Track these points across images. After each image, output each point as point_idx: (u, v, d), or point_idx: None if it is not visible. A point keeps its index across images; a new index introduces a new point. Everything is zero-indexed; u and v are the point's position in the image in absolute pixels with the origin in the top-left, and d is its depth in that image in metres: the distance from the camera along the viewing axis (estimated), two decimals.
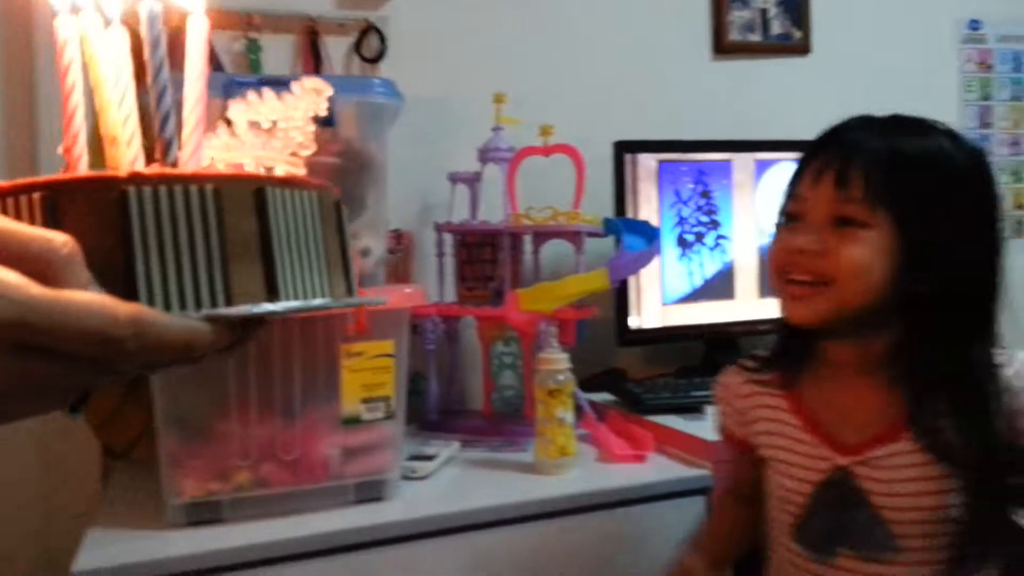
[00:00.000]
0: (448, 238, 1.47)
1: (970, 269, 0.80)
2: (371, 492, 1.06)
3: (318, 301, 0.39)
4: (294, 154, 0.43)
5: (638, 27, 1.78)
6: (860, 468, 0.80)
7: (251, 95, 0.43)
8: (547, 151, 1.42)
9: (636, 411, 1.35)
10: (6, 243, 0.29)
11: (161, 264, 0.33)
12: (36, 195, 0.33)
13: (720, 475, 1.03)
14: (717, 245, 1.63)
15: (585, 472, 1.17)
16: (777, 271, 0.84)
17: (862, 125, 0.83)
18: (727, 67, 1.86)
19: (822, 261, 0.79)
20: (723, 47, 1.85)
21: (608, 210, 1.53)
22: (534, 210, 1.42)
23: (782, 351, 0.91)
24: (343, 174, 0.96)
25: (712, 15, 1.84)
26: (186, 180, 0.35)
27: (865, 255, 0.77)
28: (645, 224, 1.44)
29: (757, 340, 1.70)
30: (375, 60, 1.55)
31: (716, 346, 1.64)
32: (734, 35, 1.85)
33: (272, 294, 0.36)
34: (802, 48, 1.91)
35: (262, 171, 0.42)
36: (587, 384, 1.54)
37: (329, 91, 0.44)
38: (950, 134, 0.83)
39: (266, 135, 0.43)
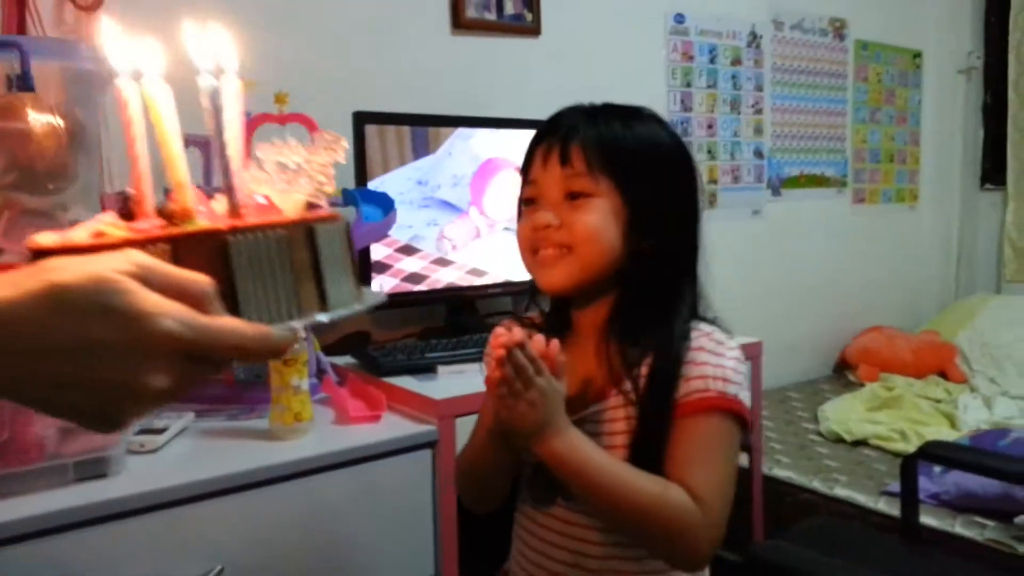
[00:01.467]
0: None
1: (678, 229, 0.90)
2: (93, 470, 1.04)
3: (356, 307, 0.51)
4: (319, 191, 0.53)
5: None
6: (579, 425, 0.85)
7: (277, 140, 0.53)
8: (282, 119, 1.43)
9: (373, 373, 1.43)
10: (170, 284, 0.40)
11: (255, 292, 0.45)
12: (161, 246, 0.43)
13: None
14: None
15: (320, 435, 1.23)
16: (526, 249, 0.90)
17: (577, 112, 0.91)
18: (465, 43, 1.96)
19: (563, 232, 0.86)
20: (461, 23, 1.94)
21: (348, 181, 1.57)
22: None
23: (547, 320, 0.98)
24: (46, 140, 0.91)
25: None
26: (264, 228, 0.46)
27: (598, 220, 0.86)
28: (382, 195, 1.50)
29: (491, 303, 1.85)
30: (92, 8, 1.44)
31: (455, 309, 1.76)
32: (471, 12, 1.95)
33: (324, 305, 0.49)
34: (533, 30, 2.06)
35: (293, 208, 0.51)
36: (332, 348, 1.59)
37: (345, 144, 0.55)
38: (655, 119, 0.94)
39: (292, 174, 0.52)
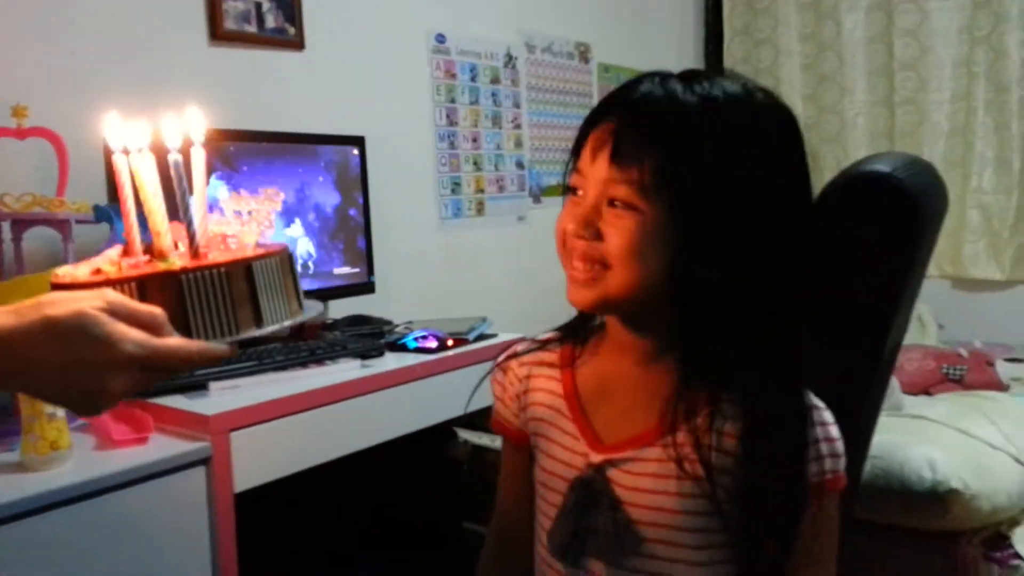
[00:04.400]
0: None
1: (760, 259, 0.70)
2: None
3: (288, 322, 0.65)
4: (260, 231, 0.69)
5: (130, 2, 1.74)
6: (611, 469, 0.74)
7: (239, 193, 0.70)
8: (22, 134, 1.34)
9: (139, 396, 1.38)
10: (132, 315, 0.55)
11: (203, 315, 0.59)
12: (132, 284, 0.58)
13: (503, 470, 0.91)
14: None
15: (81, 462, 1.17)
16: (560, 243, 0.76)
17: (647, 92, 0.72)
18: (225, 55, 1.93)
19: (596, 245, 0.72)
20: (219, 34, 1.91)
21: (100, 197, 1.50)
22: (10, 196, 1.33)
23: (570, 324, 0.83)
24: None
25: (207, 1, 1.89)
26: (210, 267, 0.60)
27: (637, 238, 0.69)
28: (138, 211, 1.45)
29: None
30: None
31: None
32: (230, 24, 1.93)
33: (259, 322, 0.62)
34: (296, 44, 2.07)
35: (244, 246, 0.66)
36: None
37: (282, 196, 0.62)
38: (772, 107, 0.73)
39: (246, 219, 0.70)
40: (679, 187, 0.68)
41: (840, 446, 0.73)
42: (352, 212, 1.97)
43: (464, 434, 1.92)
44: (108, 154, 1.60)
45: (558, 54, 2.95)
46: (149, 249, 0.63)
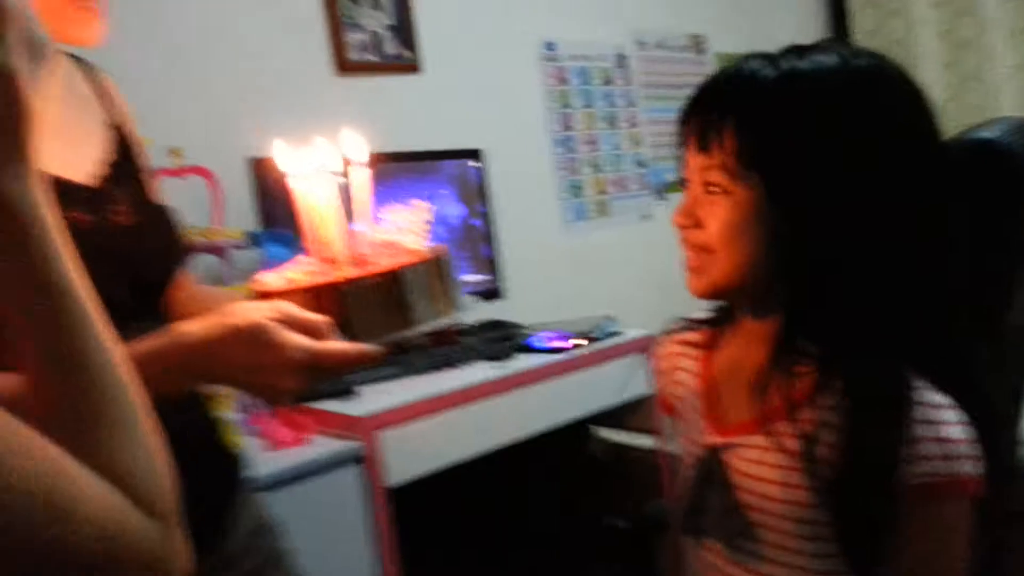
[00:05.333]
0: None
1: (865, 233, 0.67)
2: None
3: (437, 322, 0.70)
4: (418, 239, 0.74)
5: (260, 46, 1.89)
6: (725, 452, 0.74)
7: (396, 207, 0.76)
8: (180, 172, 1.49)
9: (298, 401, 1.49)
10: (300, 324, 0.63)
11: (361, 319, 0.66)
12: (307, 294, 0.66)
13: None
14: None
15: (250, 461, 1.28)
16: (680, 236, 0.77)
17: (734, 76, 0.72)
18: (351, 84, 2.06)
19: (698, 233, 0.73)
20: (345, 66, 2.04)
21: (249, 223, 1.64)
22: None
23: (719, 307, 0.83)
24: None
25: (330, 36, 2.02)
26: (366, 278, 0.67)
27: (734, 218, 0.69)
28: (286, 234, 1.57)
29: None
30: None
31: None
32: (352, 55, 2.06)
33: (409, 324, 0.68)
34: (414, 67, 2.18)
35: (408, 250, 0.72)
36: None
37: (431, 207, 0.75)
38: (862, 55, 0.71)
39: (403, 229, 0.74)
40: (765, 166, 0.68)
41: (961, 448, 0.65)
42: (475, 222, 2.05)
43: (602, 432, 1.93)
44: (267, 180, 1.73)
45: (671, 48, 2.93)
46: (325, 260, 0.71)
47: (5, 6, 0.42)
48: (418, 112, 2.16)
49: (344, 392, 1.50)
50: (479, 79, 2.33)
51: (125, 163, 0.80)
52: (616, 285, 2.65)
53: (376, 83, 2.10)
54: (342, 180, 0.70)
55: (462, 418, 1.51)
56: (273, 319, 0.63)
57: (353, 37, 2.06)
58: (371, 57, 2.09)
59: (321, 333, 0.64)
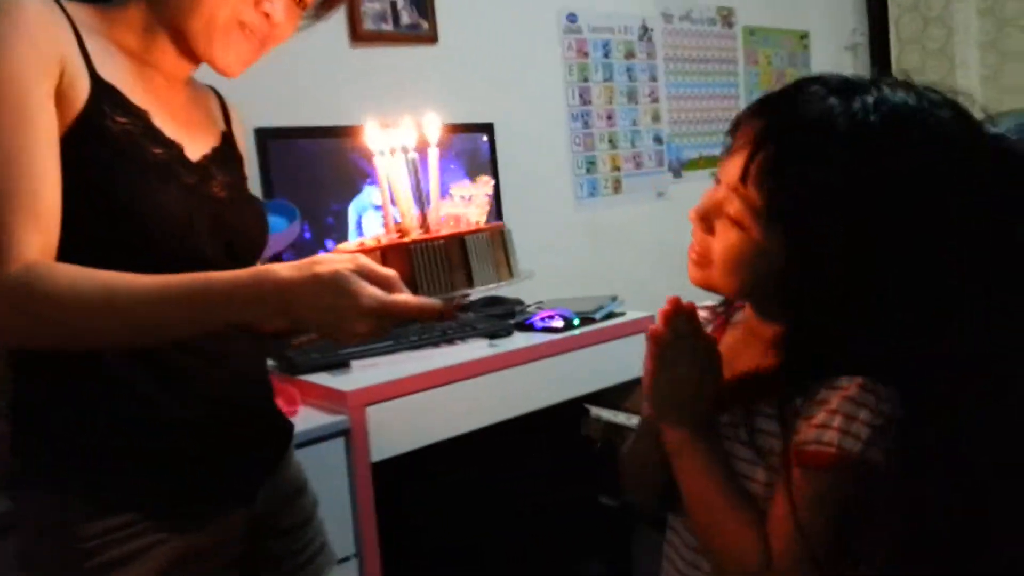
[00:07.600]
0: None
1: (883, 311, 0.67)
2: None
3: (492, 284, 0.78)
4: (480, 212, 0.82)
5: None
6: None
7: (462, 183, 0.84)
8: None
9: (288, 373, 1.53)
10: (374, 276, 0.71)
11: (427, 277, 0.74)
12: (378, 252, 0.75)
13: None
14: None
15: None
16: None
17: (808, 106, 0.68)
18: (363, 54, 2.05)
19: (706, 239, 0.75)
20: (359, 35, 2.03)
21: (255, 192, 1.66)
22: None
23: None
24: None
25: (346, 5, 2.01)
26: (431, 239, 0.75)
27: (741, 256, 0.71)
28: (284, 204, 1.59)
29: None
30: None
31: None
32: (368, 24, 2.05)
33: (470, 283, 0.76)
34: (430, 38, 2.16)
35: (471, 223, 0.81)
36: None
37: (491, 182, 0.84)
38: (925, 105, 0.68)
39: (468, 201, 0.82)
40: (795, 232, 0.67)
41: (852, 427, 0.66)
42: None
43: (597, 411, 1.95)
44: (271, 150, 1.74)
45: (698, 21, 2.87)
46: (398, 228, 0.80)
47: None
48: (431, 84, 2.15)
49: (336, 365, 1.53)
50: (497, 51, 2.31)
51: (228, 160, 0.99)
52: (628, 263, 2.63)
53: (390, 53, 2.09)
54: (415, 156, 0.79)
55: (453, 395, 1.52)
56: (351, 270, 0.70)
57: (369, 6, 2.05)
58: (387, 27, 2.08)
59: (392, 286, 0.71)
